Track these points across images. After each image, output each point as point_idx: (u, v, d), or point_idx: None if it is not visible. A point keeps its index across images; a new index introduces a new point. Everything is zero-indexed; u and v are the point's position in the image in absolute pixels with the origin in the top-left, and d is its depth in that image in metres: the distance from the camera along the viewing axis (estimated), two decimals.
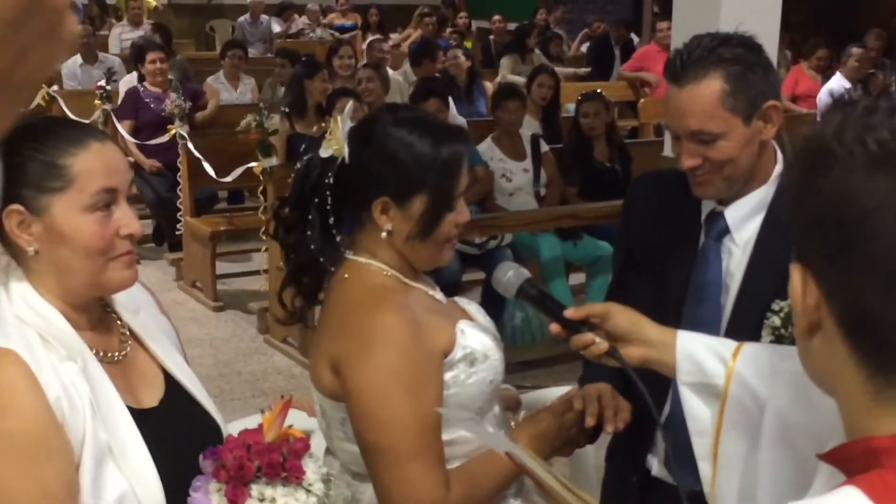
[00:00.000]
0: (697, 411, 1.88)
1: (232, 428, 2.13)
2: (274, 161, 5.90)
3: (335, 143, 2.05)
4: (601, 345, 1.90)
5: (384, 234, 2.03)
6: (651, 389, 1.91)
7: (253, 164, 5.99)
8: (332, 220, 2.06)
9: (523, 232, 5.98)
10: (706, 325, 2.16)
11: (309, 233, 2.06)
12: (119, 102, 7.96)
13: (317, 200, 2.04)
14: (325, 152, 2.06)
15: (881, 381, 1.05)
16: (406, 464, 1.92)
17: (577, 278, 6.52)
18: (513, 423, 2.31)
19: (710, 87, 2.10)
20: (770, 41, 5.07)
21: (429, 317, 2.03)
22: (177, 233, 7.12)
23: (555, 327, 1.96)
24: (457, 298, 2.28)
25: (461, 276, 5.85)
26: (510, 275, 2.05)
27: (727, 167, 2.15)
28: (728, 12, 4.98)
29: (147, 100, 7.83)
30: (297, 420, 2.35)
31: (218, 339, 6.04)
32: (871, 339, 1.05)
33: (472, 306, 2.28)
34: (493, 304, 5.82)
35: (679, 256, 2.27)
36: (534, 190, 6.41)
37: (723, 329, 2.18)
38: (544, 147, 6.52)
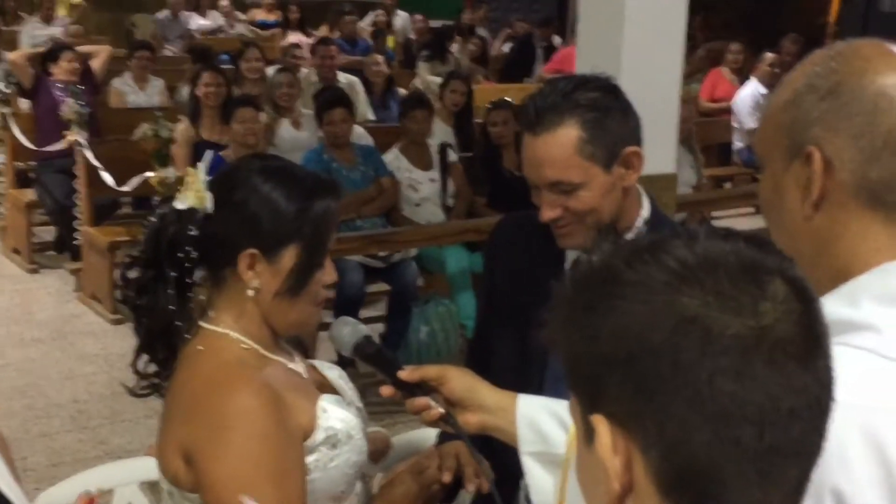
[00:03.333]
0: (540, 482, 1.78)
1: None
2: (171, 171, 5.71)
3: (194, 193, 1.88)
4: (434, 411, 1.78)
5: (250, 292, 1.86)
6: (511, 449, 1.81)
7: (150, 174, 5.80)
8: (191, 279, 1.90)
9: (427, 246, 5.87)
10: None
11: (168, 292, 1.88)
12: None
13: (180, 256, 1.87)
14: (180, 204, 1.89)
15: None
16: None
17: None
18: (376, 479, 2.20)
19: (567, 136, 2.00)
20: (675, 43, 4.99)
21: (288, 395, 1.86)
22: (75, 242, 6.89)
23: (386, 390, 1.83)
24: (315, 363, 2.14)
25: (364, 289, 5.73)
26: (346, 332, 1.92)
27: (589, 217, 2.06)
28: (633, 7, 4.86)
29: (53, 90, 7.56)
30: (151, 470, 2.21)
31: (113, 355, 5.83)
32: (695, 495, 0.89)
33: (332, 371, 2.14)
34: (400, 316, 5.73)
35: (543, 308, 2.16)
36: (441, 200, 6.32)
37: None
38: (452, 157, 6.43)
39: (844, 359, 0.95)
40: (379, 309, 6.15)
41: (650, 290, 0.89)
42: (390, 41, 12.82)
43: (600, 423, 0.92)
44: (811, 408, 0.89)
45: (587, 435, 0.95)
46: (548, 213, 2.06)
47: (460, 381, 1.81)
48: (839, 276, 1.24)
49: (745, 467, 0.87)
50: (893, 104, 1.23)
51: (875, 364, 1.15)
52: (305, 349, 2.20)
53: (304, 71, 8.75)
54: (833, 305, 1.09)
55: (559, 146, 2.00)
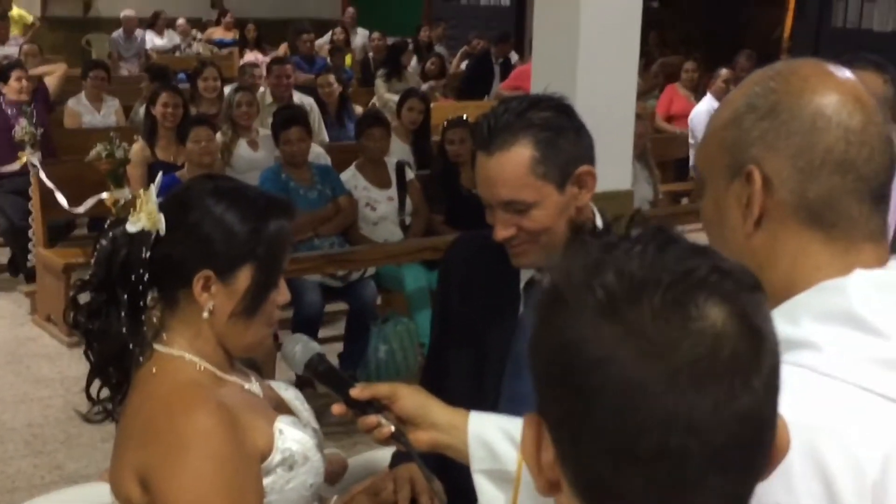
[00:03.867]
0: (491, 499, 1.79)
1: None
2: (127, 192, 5.67)
3: (146, 215, 1.87)
4: (384, 428, 1.79)
5: (206, 314, 1.86)
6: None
7: (104, 194, 5.75)
8: (144, 302, 1.88)
9: (385, 265, 5.86)
10: (526, 400, 2.04)
11: (121, 316, 1.86)
12: None
13: (133, 278, 1.85)
14: (132, 226, 1.88)
15: None
16: None
17: None
18: (332, 501, 2.19)
19: (520, 155, 2.01)
20: (629, 59, 5.01)
21: (245, 416, 1.86)
22: (29, 264, 6.81)
23: (337, 408, 1.83)
24: (272, 384, 2.13)
25: (323, 308, 5.70)
26: (297, 349, 1.93)
27: (543, 236, 2.06)
28: (588, 25, 4.88)
29: (4, 109, 7.49)
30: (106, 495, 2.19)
31: (69, 378, 5.76)
32: None
33: (289, 392, 2.13)
34: (359, 335, 5.71)
35: (497, 327, 2.17)
36: (399, 219, 6.30)
37: None
38: (410, 175, 6.42)
39: (785, 377, 0.96)
40: (338, 328, 6.13)
41: (578, 316, 0.92)
42: (348, 59, 12.81)
43: (528, 424, 0.98)
44: (716, 447, 0.89)
45: None
46: (501, 233, 2.06)
47: (411, 398, 1.82)
48: (780, 293, 1.25)
49: (647, 499, 0.90)
50: (831, 123, 1.25)
51: (815, 382, 1.16)
52: (259, 370, 2.19)
53: (261, 90, 8.71)
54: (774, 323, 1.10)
55: (512, 165, 2.01)
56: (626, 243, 0.94)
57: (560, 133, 2.03)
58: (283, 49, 12.52)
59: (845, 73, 1.30)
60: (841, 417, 1.16)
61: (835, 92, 1.26)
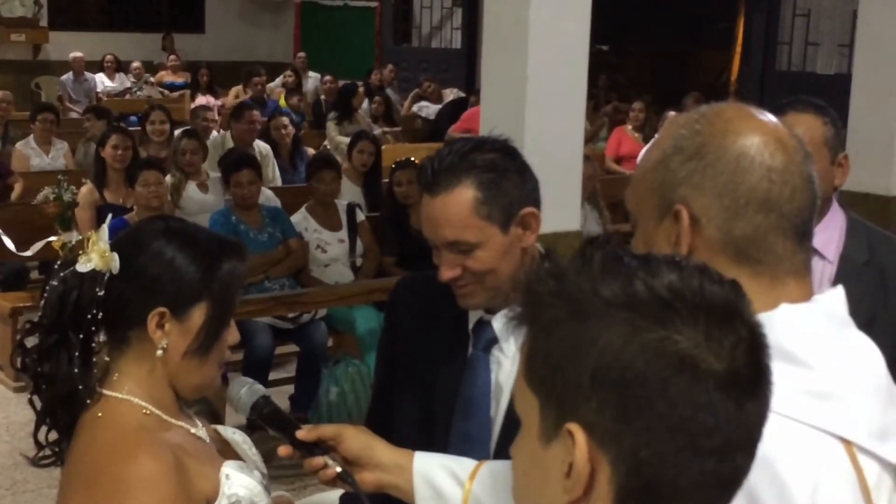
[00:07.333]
0: None
1: None
2: (75, 235, 5.63)
3: (98, 255, 1.86)
4: (330, 469, 1.80)
5: (159, 352, 1.84)
6: None
7: (53, 238, 5.71)
8: (95, 342, 1.87)
9: (335, 306, 5.86)
10: (476, 441, 2.08)
11: (74, 357, 1.84)
12: None
13: (89, 318, 1.84)
14: (83, 267, 1.86)
15: None
16: None
17: None
18: None
19: (463, 196, 2.03)
20: (577, 102, 5.07)
21: (191, 461, 1.85)
22: None
23: (283, 450, 1.84)
24: (219, 428, 2.13)
25: (273, 351, 5.69)
26: (243, 392, 1.93)
27: (488, 277, 2.07)
28: (536, 68, 4.93)
29: None
30: None
31: (16, 424, 5.69)
32: None
33: (236, 435, 2.12)
34: (310, 377, 5.70)
35: (446, 368, 2.17)
36: (350, 260, 6.32)
37: (493, 444, 2.08)
38: (360, 216, 6.45)
39: None
40: (289, 370, 6.12)
41: (644, 318, 0.97)
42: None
43: (578, 432, 0.98)
44: (755, 441, 1.01)
45: (546, 434, 1.02)
46: (447, 273, 2.07)
47: (356, 439, 1.83)
48: None
49: (704, 491, 0.98)
50: (754, 163, 1.30)
51: None
52: (218, 416, 2.18)
53: (214, 134, 8.68)
54: None
55: (456, 206, 2.03)
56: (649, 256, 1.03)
57: (504, 175, 2.05)
58: (235, 92, 12.52)
59: (767, 116, 1.35)
60: (771, 448, 1.19)
61: (757, 133, 1.31)
